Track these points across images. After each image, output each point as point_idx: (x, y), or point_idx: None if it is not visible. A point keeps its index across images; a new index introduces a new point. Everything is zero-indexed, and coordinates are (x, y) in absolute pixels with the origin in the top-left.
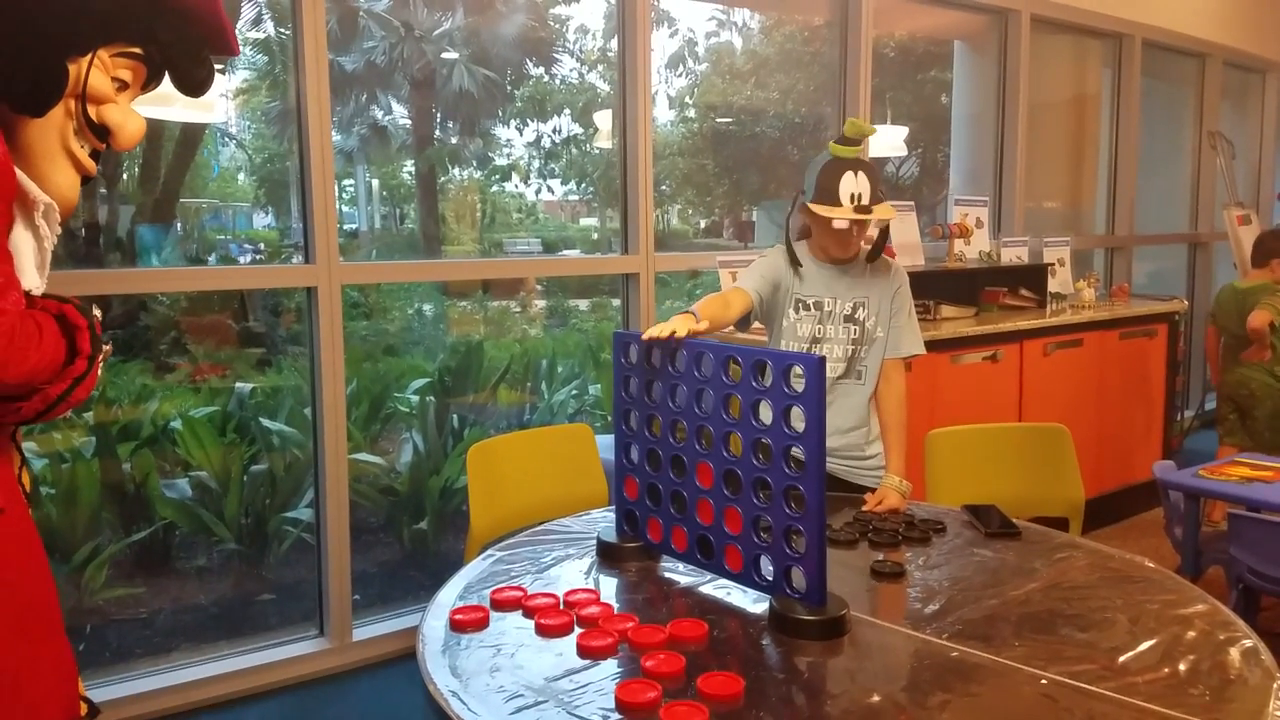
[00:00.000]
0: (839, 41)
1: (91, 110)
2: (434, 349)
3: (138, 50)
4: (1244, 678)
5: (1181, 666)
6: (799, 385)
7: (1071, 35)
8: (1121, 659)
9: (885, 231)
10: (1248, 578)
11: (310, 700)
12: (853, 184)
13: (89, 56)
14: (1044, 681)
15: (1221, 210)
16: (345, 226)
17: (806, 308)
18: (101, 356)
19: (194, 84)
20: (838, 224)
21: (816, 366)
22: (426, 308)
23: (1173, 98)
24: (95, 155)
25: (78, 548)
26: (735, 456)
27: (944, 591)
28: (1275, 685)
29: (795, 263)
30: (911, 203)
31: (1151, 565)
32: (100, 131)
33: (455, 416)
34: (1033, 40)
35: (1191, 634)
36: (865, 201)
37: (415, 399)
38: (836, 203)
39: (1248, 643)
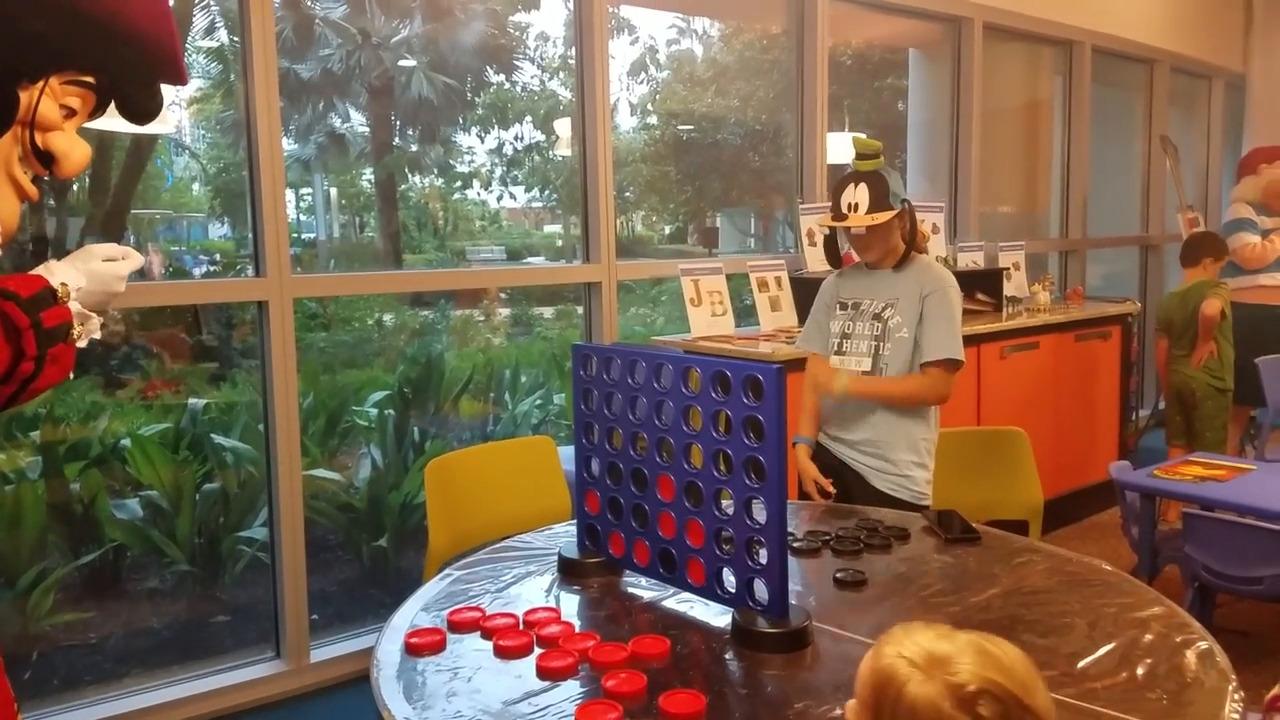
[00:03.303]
0: (795, 50)
1: (38, 137)
2: (394, 360)
3: (89, 79)
4: (1200, 680)
5: (1139, 670)
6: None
7: (1023, 43)
8: (1081, 664)
9: (911, 238)
10: (1203, 575)
11: None
12: (851, 194)
13: (40, 84)
14: None
15: (1175, 214)
16: (304, 236)
17: (844, 307)
18: (75, 337)
19: (142, 113)
20: (819, 230)
21: (775, 376)
22: (387, 318)
23: (1122, 103)
24: (36, 179)
25: (23, 572)
26: (696, 468)
27: (905, 599)
28: (1230, 688)
29: (836, 264)
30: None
31: (1109, 568)
32: (45, 158)
33: (416, 429)
34: (985, 48)
35: (1149, 637)
36: (862, 211)
37: (374, 412)
38: (838, 212)
39: (1203, 645)
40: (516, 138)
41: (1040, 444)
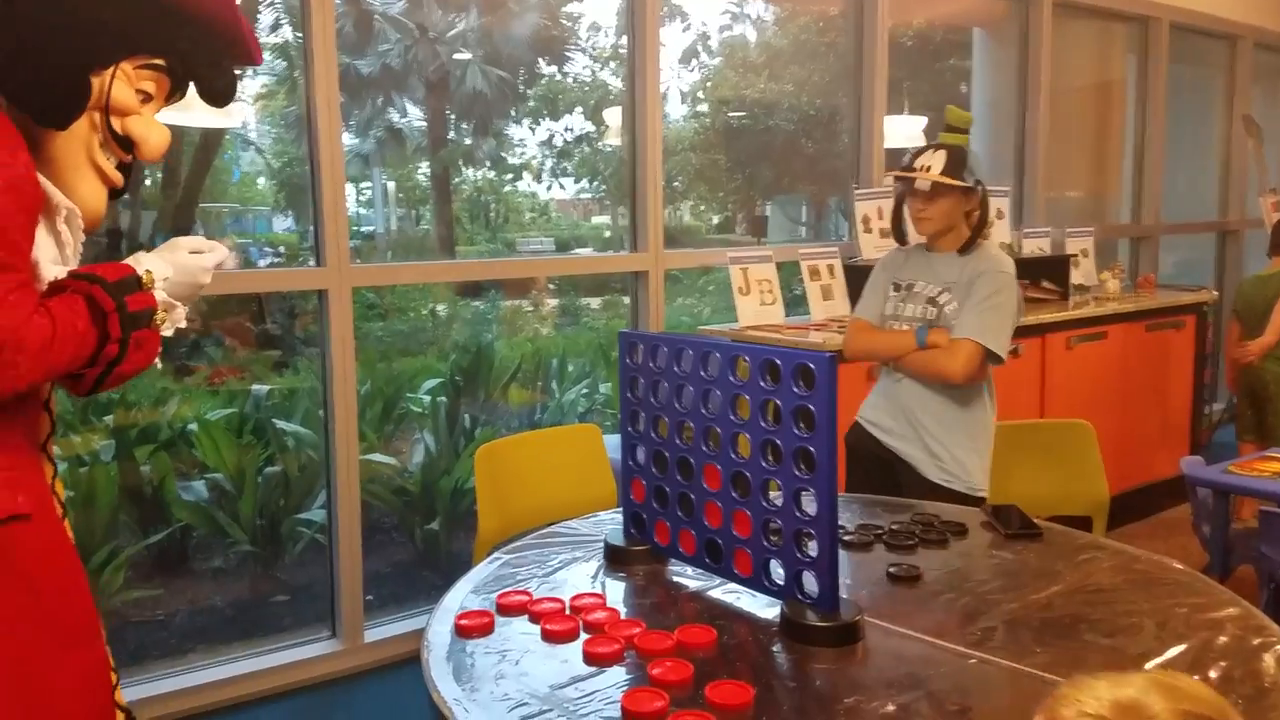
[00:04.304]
0: (854, 31)
1: (115, 122)
2: (446, 349)
3: (160, 61)
4: (1279, 685)
5: (1213, 674)
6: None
7: (1096, 19)
8: (1149, 666)
9: (980, 225)
10: None
11: (322, 703)
12: (929, 158)
13: (111, 69)
14: None
15: (1257, 198)
16: (363, 229)
17: (898, 288)
18: (159, 323)
19: (216, 93)
20: (886, 182)
21: (827, 365)
22: (440, 308)
23: (1200, 82)
24: (124, 168)
25: (95, 550)
26: (743, 458)
27: (962, 596)
28: None
29: (900, 238)
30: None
31: (1179, 566)
32: (125, 143)
33: (467, 416)
34: (1055, 25)
35: (1223, 639)
36: (935, 173)
37: (427, 399)
38: (909, 169)
39: None
40: (566, 129)
41: (1107, 437)
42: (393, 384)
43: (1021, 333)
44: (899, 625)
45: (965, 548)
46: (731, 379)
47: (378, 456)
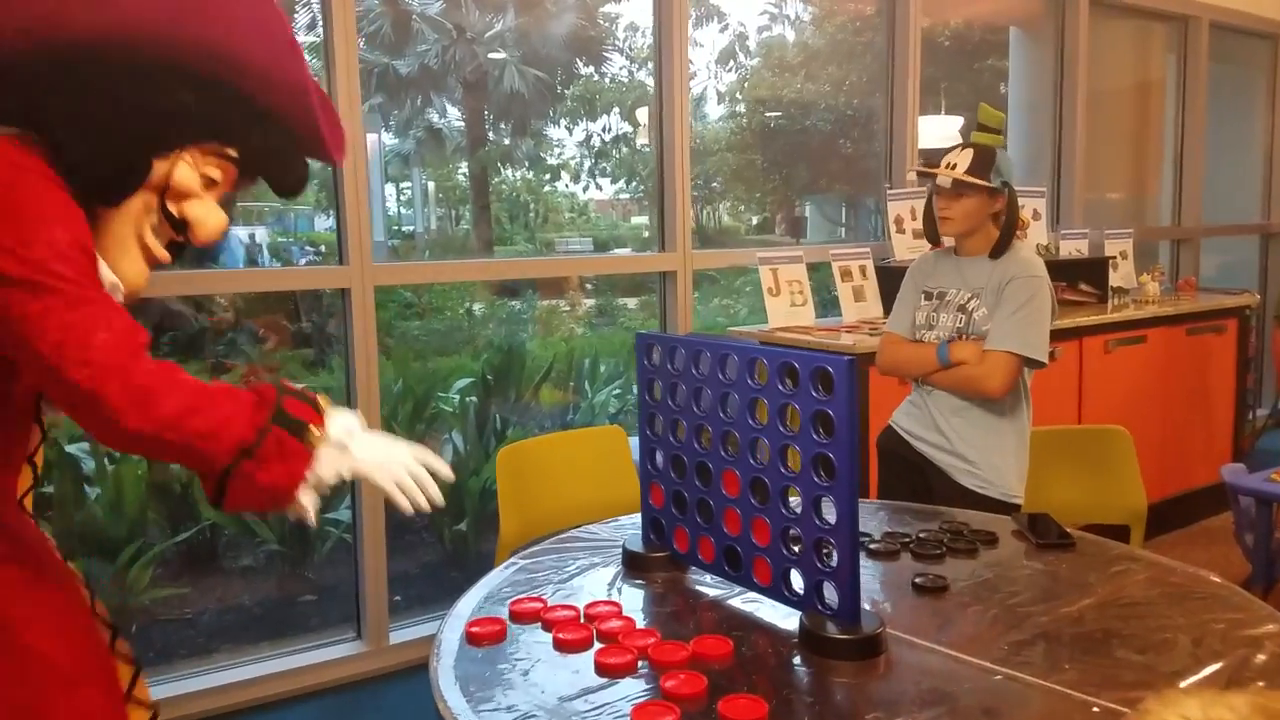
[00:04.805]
0: (886, 29)
1: (172, 205)
2: (480, 348)
3: (232, 152)
4: None
5: None
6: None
7: (1134, 18)
8: (1183, 684)
9: (1009, 228)
10: None
11: (345, 704)
12: (955, 156)
13: (175, 154)
14: (1096, 709)
15: None
16: (404, 229)
17: (929, 297)
18: (310, 440)
19: (286, 188)
20: (909, 176)
21: (846, 369)
22: (476, 307)
23: (1241, 81)
24: (174, 246)
25: (123, 547)
26: (762, 464)
27: (990, 608)
28: None
29: (933, 238)
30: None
31: (1217, 580)
32: (179, 225)
33: (497, 417)
34: (1092, 24)
35: (1261, 657)
36: (959, 172)
37: (458, 399)
38: (934, 166)
39: None
40: (604, 129)
41: (1146, 444)
42: (424, 383)
43: (1059, 336)
44: (923, 638)
45: (995, 558)
46: (750, 382)
47: None
